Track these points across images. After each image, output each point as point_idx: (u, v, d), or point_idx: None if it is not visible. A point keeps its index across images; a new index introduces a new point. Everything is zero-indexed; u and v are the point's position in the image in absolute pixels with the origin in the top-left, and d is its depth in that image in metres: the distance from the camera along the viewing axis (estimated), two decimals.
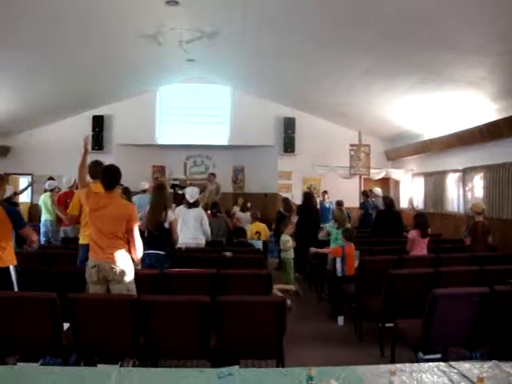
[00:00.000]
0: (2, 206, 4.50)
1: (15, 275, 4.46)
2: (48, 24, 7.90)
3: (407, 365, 2.71)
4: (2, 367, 2.89)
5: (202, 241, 6.95)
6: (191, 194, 6.97)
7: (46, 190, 9.71)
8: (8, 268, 4.44)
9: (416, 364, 2.80)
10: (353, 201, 13.07)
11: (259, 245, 8.20)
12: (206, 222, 6.99)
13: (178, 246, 6.35)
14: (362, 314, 5.83)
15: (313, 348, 5.38)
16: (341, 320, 6.34)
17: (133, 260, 4.50)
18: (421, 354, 4.23)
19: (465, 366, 2.67)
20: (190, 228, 6.81)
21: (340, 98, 12.18)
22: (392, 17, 6.85)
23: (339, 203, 10.59)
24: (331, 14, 7.42)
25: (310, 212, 9.03)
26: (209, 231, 7.02)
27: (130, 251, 4.46)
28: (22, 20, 7.55)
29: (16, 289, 4.42)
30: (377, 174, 13.75)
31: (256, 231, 8.93)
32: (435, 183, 12.36)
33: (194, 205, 6.94)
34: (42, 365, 3.78)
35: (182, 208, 6.98)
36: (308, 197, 9.64)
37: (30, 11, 7.26)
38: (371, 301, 5.53)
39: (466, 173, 10.71)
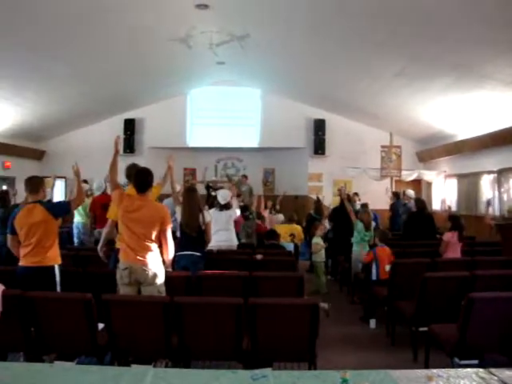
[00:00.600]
0: (42, 205, 4.60)
1: (59, 275, 4.56)
2: (81, 28, 8.05)
3: (444, 370, 2.63)
4: (41, 365, 2.95)
5: (234, 242, 6.99)
6: (223, 196, 7.00)
7: None
8: (53, 267, 4.54)
9: (453, 370, 2.72)
10: (384, 203, 12.89)
11: (290, 247, 8.16)
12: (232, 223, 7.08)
13: (210, 247, 6.40)
14: (394, 317, 5.74)
15: (344, 351, 5.34)
16: (373, 323, 6.28)
17: (163, 262, 4.55)
18: (457, 360, 4.13)
19: (506, 373, 2.56)
20: (223, 230, 6.84)
21: (372, 99, 12.09)
22: (425, 16, 6.74)
23: (364, 205, 10.46)
24: (362, 15, 7.35)
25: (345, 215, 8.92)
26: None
27: (161, 253, 4.50)
28: (55, 25, 7.72)
29: (59, 288, 4.51)
30: (408, 176, 13.56)
31: (290, 233, 8.89)
32: (469, 185, 12.10)
33: (226, 207, 6.96)
34: (77, 364, 3.86)
35: (213, 210, 7.02)
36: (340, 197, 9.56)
37: (63, 15, 7.41)
38: (404, 304, 5.45)
39: (502, 174, 10.45)
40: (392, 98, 11.28)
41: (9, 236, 4.69)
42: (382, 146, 13.31)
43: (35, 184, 4.74)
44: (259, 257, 5.98)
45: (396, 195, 11.86)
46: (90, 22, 7.86)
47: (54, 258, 4.58)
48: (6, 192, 8.07)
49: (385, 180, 13.44)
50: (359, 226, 7.50)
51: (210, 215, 6.09)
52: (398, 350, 5.37)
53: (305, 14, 7.84)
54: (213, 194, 10.77)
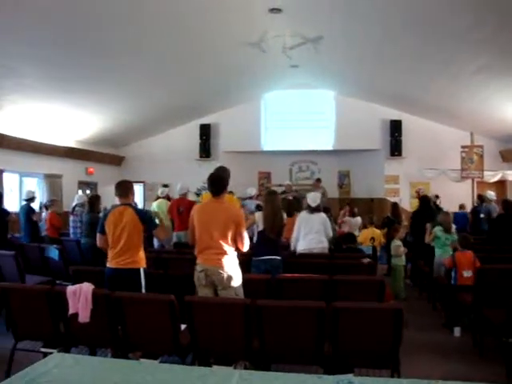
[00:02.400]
0: (132, 208, 4.77)
1: (144, 277, 4.70)
2: (158, 37, 8.32)
3: None
4: (129, 361, 3.03)
5: (326, 244, 6.92)
6: (313, 198, 6.97)
7: (158, 197, 10.05)
8: (139, 270, 4.68)
9: None
10: (465, 205, 12.34)
11: (369, 251, 7.98)
12: (329, 225, 7.01)
13: (303, 251, 6.46)
14: (481, 326, 5.44)
15: (427, 359, 5.10)
16: (457, 331, 5.96)
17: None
18: None
19: None
20: (315, 233, 6.80)
21: (451, 98, 11.66)
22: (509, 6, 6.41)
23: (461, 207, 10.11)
24: (441, 8, 7.09)
25: (426, 217, 8.64)
26: (331, 234, 7.02)
27: (237, 248, 4.54)
28: (133, 34, 8.05)
29: (143, 290, 4.65)
30: (492, 177, 12.98)
31: (371, 237, 8.71)
32: None
33: (317, 209, 6.94)
34: (160, 362, 3.94)
35: (303, 213, 7.01)
36: (426, 201, 9.30)
37: (140, 23, 7.71)
38: (493, 312, 5.15)
39: None
40: (473, 96, 10.82)
41: (98, 235, 4.89)
42: (462, 146, 12.85)
43: (125, 188, 4.92)
44: (366, 261, 5.89)
45: (480, 198, 11.31)
46: (167, 30, 8.12)
47: (139, 260, 4.73)
48: (96, 197, 8.34)
49: (465, 181, 12.93)
50: (437, 229, 7.24)
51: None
52: (488, 361, 5.01)
53: (380, 13, 7.68)
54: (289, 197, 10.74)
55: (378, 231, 9.14)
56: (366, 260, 5.92)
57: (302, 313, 3.70)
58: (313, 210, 6.89)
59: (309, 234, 6.74)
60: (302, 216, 6.93)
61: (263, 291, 4.86)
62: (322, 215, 6.98)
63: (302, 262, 6.17)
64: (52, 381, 1.96)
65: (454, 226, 7.54)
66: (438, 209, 9.63)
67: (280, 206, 5.77)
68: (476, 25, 7.39)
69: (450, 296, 6.30)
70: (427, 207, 9.09)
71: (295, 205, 8.42)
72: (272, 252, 5.53)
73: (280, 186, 13.58)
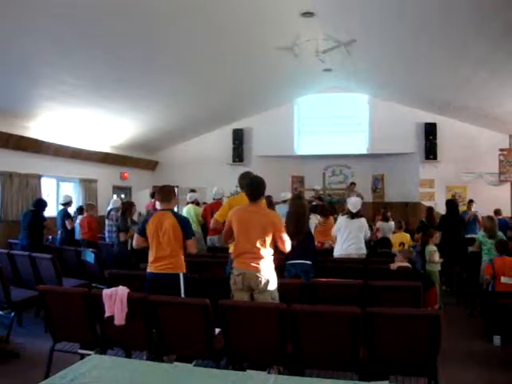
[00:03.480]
0: (174, 215, 4.81)
1: (183, 282, 4.72)
2: (196, 43, 8.40)
3: None
4: (165, 364, 3.06)
5: (364, 250, 6.94)
6: (354, 204, 7.02)
7: (188, 203, 10.08)
8: (179, 275, 4.71)
9: None
10: (503, 210, 12.01)
11: None
12: (367, 230, 7.10)
13: (340, 255, 6.52)
14: None
15: (466, 369, 4.93)
16: (497, 340, 5.75)
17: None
18: None
19: None
20: (354, 238, 6.83)
21: (488, 99, 11.40)
22: None
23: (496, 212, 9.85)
24: (477, 8, 6.95)
25: (454, 221, 8.48)
26: (369, 235, 7.14)
27: (279, 251, 4.60)
28: (168, 39, 8.15)
29: (183, 295, 4.67)
30: None
31: (400, 242, 8.58)
32: None
33: (357, 215, 6.96)
34: (195, 366, 3.96)
35: (343, 218, 7.03)
36: (453, 205, 9.13)
37: (174, 30, 7.79)
38: None
39: None
40: (511, 96, 10.53)
41: (136, 236, 4.99)
42: (501, 149, 12.56)
43: (167, 193, 4.96)
44: (394, 266, 5.83)
45: None
46: (202, 36, 8.19)
47: (179, 266, 4.75)
48: (131, 204, 8.32)
49: (504, 185, 12.62)
50: (480, 235, 7.09)
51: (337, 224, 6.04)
52: None
53: (413, 15, 7.59)
54: (313, 203, 10.71)
55: (407, 236, 8.98)
56: (395, 265, 5.81)
57: (337, 318, 3.66)
58: (353, 215, 6.91)
59: (347, 240, 6.77)
60: (342, 221, 6.92)
61: (296, 296, 4.85)
62: (362, 220, 7.02)
63: (337, 267, 6.13)
64: (90, 382, 1.99)
65: (500, 233, 7.36)
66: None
67: (304, 209, 5.72)
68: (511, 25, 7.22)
69: (491, 303, 6.12)
70: (454, 211, 8.93)
71: (328, 209, 8.40)
72: (302, 256, 5.49)
73: (313, 190, 13.56)
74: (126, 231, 7.41)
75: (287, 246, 4.57)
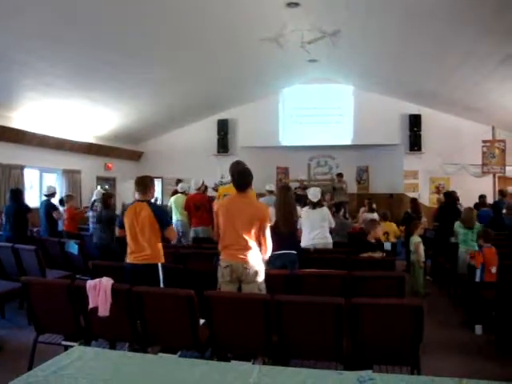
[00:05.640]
0: (150, 206, 4.80)
1: (162, 273, 4.73)
2: (178, 34, 8.35)
3: None
4: (149, 355, 3.05)
5: (330, 240, 6.95)
6: (314, 193, 6.98)
7: (176, 192, 10.07)
8: (157, 265, 4.72)
9: None
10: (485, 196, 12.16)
11: (388, 246, 7.90)
12: (331, 218, 7.04)
13: (306, 246, 6.37)
14: (505, 324, 5.34)
15: (447, 357, 4.99)
16: (478, 329, 5.84)
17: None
18: None
19: None
20: (318, 228, 6.81)
21: (472, 91, 11.49)
22: None
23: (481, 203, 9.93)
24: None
25: (451, 212, 8.53)
26: (333, 225, 7.06)
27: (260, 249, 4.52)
28: (152, 31, 8.08)
29: (162, 285, 4.69)
30: None
31: (384, 232, 8.63)
32: None
33: (318, 204, 6.93)
34: (180, 357, 3.95)
35: (305, 209, 7.01)
36: (452, 197, 9.24)
37: (161, 20, 7.74)
38: None
39: None
40: (495, 89, 10.64)
41: (116, 229, 5.13)
42: (484, 141, 12.68)
43: (145, 184, 4.95)
44: (377, 255, 5.86)
45: (501, 193, 11.15)
46: (185, 26, 8.13)
47: (157, 256, 4.76)
48: (110, 195, 8.39)
49: (487, 177, 12.75)
50: (457, 225, 7.17)
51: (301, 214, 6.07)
52: (510, 360, 4.92)
53: (399, 6, 7.60)
54: (300, 193, 10.75)
55: (392, 225, 9.06)
56: (378, 255, 5.85)
57: (321, 308, 3.68)
58: (314, 205, 6.89)
59: (312, 230, 6.75)
60: (304, 212, 6.92)
61: (281, 286, 4.87)
62: (325, 209, 7.00)
63: (319, 258, 6.15)
64: (74, 373, 1.98)
65: (477, 224, 7.43)
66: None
67: (292, 200, 5.75)
68: (498, 14, 7.25)
69: (473, 293, 6.19)
70: (453, 203, 9.02)
71: (304, 199, 8.42)
72: (288, 246, 5.50)
73: (297, 181, 13.60)
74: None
75: (268, 248, 4.53)
